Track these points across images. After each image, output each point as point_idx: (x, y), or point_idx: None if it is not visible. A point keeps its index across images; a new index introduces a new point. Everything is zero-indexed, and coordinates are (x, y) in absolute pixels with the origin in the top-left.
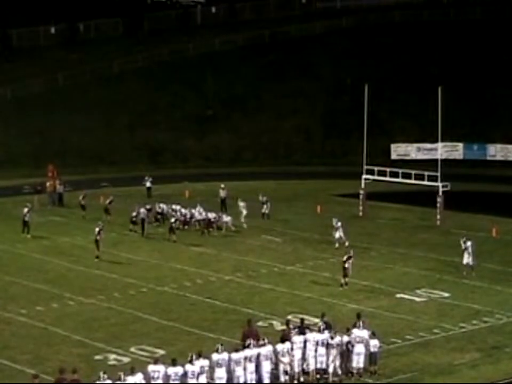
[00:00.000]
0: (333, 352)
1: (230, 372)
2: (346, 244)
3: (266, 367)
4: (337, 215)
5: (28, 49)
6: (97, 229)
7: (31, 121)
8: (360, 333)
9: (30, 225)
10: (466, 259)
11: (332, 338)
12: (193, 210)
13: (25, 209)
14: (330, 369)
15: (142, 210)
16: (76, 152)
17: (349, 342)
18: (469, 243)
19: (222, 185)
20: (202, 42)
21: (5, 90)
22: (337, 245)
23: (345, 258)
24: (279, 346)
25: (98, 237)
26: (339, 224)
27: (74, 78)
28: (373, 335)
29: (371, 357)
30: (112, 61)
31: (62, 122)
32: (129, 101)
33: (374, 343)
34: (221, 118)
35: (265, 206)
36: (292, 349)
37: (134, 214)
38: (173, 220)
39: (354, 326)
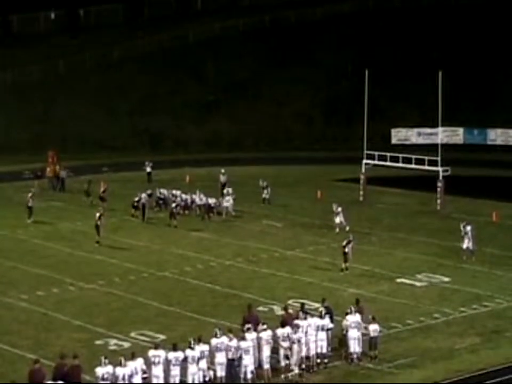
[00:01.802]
0: (294, 347)
1: (231, 357)
2: (347, 228)
3: (267, 351)
4: (337, 200)
5: (28, 35)
6: (97, 214)
7: (31, 107)
8: (352, 318)
9: (33, 211)
10: (467, 244)
11: (295, 332)
12: (193, 196)
13: (29, 195)
14: (295, 365)
15: (143, 195)
16: (77, 138)
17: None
18: (468, 228)
19: (222, 170)
20: (202, 28)
21: (5, 76)
22: (337, 230)
23: (344, 243)
24: (279, 331)
25: (98, 222)
26: (339, 209)
27: (74, 64)
28: (373, 319)
29: (371, 342)
30: (112, 47)
31: (62, 108)
32: (129, 87)
33: (374, 328)
34: (222, 104)
35: (265, 191)
36: (293, 333)
37: (136, 199)
38: (173, 205)
39: (357, 311)
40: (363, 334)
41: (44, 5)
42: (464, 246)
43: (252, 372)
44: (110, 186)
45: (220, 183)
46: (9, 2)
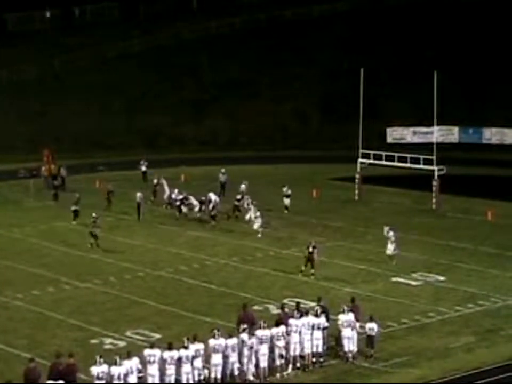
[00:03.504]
0: (244, 351)
1: (226, 357)
2: (259, 235)
3: (264, 350)
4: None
5: (23, 34)
6: (91, 220)
7: (27, 106)
8: (346, 317)
9: (79, 215)
10: (390, 249)
11: (249, 338)
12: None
13: (75, 199)
14: (249, 373)
15: (139, 194)
16: (72, 136)
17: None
18: (391, 233)
19: (223, 170)
20: (198, 26)
21: (0, 74)
22: (260, 235)
23: (310, 249)
24: (274, 330)
25: (94, 230)
26: (258, 213)
27: (70, 63)
28: (371, 318)
29: (368, 340)
30: (108, 45)
31: (58, 106)
32: (125, 85)
33: (372, 326)
34: (218, 102)
35: (287, 200)
36: (287, 332)
37: (168, 195)
38: (211, 206)
39: (350, 311)
40: (359, 333)
41: (39, 4)
42: (388, 251)
43: (238, 369)
44: (106, 185)
45: (219, 183)
46: (4, 1)
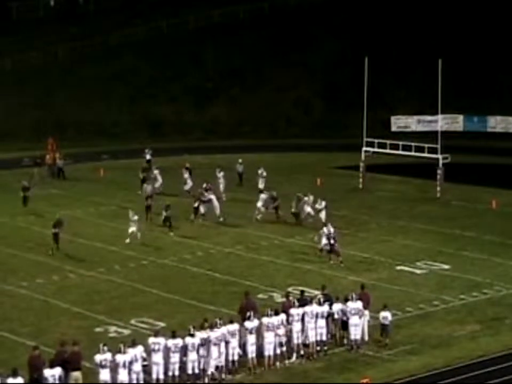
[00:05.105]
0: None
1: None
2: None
3: (270, 338)
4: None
5: (27, 21)
6: (54, 221)
7: (30, 94)
8: (354, 304)
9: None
10: (323, 243)
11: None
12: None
13: (165, 205)
14: (210, 367)
15: (149, 187)
16: (76, 125)
17: (344, 314)
18: (332, 230)
19: (240, 160)
20: (201, 15)
21: (4, 62)
22: (128, 240)
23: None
24: (274, 319)
25: (56, 230)
26: (136, 217)
27: (73, 51)
28: (384, 307)
29: (382, 329)
30: (111, 33)
31: (61, 95)
32: (128, 74)
33: (385, 315)
34: (221, 90)
35: (323, 213)
36: (287, 321)
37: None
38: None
39: (359, 298)
40: (369, 321)
41: None
42: (322, 244)
43: (238, 354)
44: (110, 174)
45: (237, 173)
46: None
